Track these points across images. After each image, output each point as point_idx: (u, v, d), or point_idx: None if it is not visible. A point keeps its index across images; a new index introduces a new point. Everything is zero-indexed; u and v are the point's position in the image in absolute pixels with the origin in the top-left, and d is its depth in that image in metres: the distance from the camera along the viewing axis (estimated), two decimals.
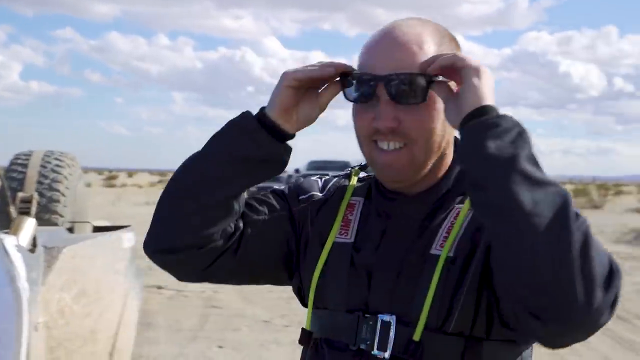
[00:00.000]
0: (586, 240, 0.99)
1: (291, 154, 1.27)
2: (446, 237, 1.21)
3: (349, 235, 1.30)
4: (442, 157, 1.27)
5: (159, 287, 8.29)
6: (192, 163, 1.27)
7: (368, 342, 1.21)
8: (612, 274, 1.01)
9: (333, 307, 1.27)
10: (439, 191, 1.27)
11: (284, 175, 33.53)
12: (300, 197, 1.40)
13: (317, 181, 1.43)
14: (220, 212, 1.26)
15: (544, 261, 0.98)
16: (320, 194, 1.39)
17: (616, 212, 24.95)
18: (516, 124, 1.08)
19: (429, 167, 1.25)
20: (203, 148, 1.27)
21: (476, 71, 1.13)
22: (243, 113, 1.25)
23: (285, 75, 1.24)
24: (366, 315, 1.23)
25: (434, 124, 1.21)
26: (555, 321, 1.01)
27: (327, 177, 1.44)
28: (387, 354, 1.20)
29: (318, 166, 25.51)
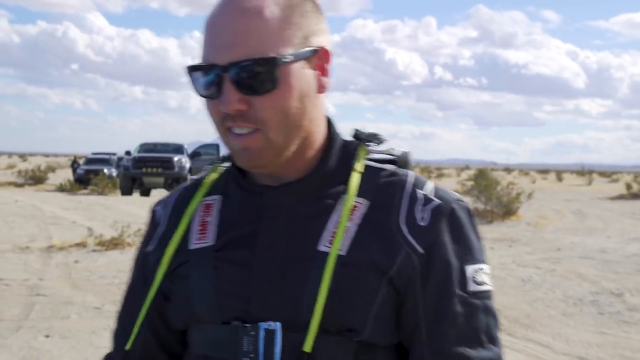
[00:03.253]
0: None
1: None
2: (335, 232, 1.10)
3: (208, 238, 1.15)
4: (308, 136, 1.14)
5: None
6: None
7: (252, 356, 1.07)
8: None
9: (207, 321, 1.12)
10: (316, 178, 1.15)
11: (114, 157, 32.46)
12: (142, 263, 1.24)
13: (151, 222, 1.26)
14: None
15: None
16: (150, 237, 1.24)
17: None
18: None
19: (291, 149, 1.12)
20: None
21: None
22: None
23: None
24: (246, 325, 1.08)
25: (289, 103, 1.09)
26: None
27: (159, 203, 1.27)
28: None
29: (149, 148, 24.89)
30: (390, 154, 1.22)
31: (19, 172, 32.35)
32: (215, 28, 1.10)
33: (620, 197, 27.49)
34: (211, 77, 1.08)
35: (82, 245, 10.21)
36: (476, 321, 1.11)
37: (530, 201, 18.53)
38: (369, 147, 1.20)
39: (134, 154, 24.29)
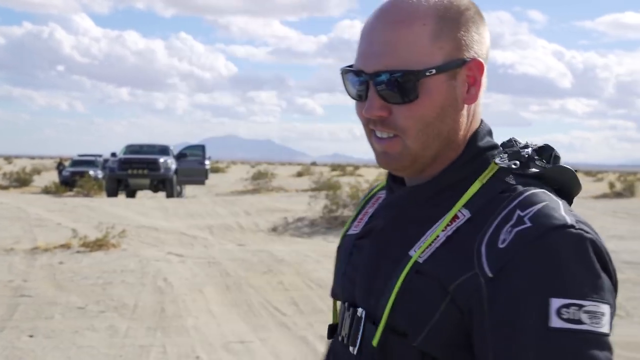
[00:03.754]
0: None
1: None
2: (427, 239, 1.12)
3: (358, 227, 1.30)
4: (448, 144, 1.16)
5: None
6: None
7: (346, 335, 1.20)
8: None
9: (339, 299, 1.29)
10: (436, 185, 1.17)
11: (99, 159, 32.39)
12: None
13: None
14: None
15: None
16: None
17: None
18: None
19: (429, 156, 1.16)
20: None
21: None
22: None
23: None
24: (350, 307, 1.21)
25: (429, 114, 1.12)
26: None
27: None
28: (355, 350, 1.17)
29: (135, 150, 24.88)
30: (540, 167, 1.16)
31: (4, 174, 32.24)
32: (367, 36, 1.15)
33: (604, 195, 27.74)
34: (359, 82, 1.15)
35: (66, 246, 10.24)
36: None
37: None
38: (498, 160, 1.15)
39: (120, 155, 24.28)
